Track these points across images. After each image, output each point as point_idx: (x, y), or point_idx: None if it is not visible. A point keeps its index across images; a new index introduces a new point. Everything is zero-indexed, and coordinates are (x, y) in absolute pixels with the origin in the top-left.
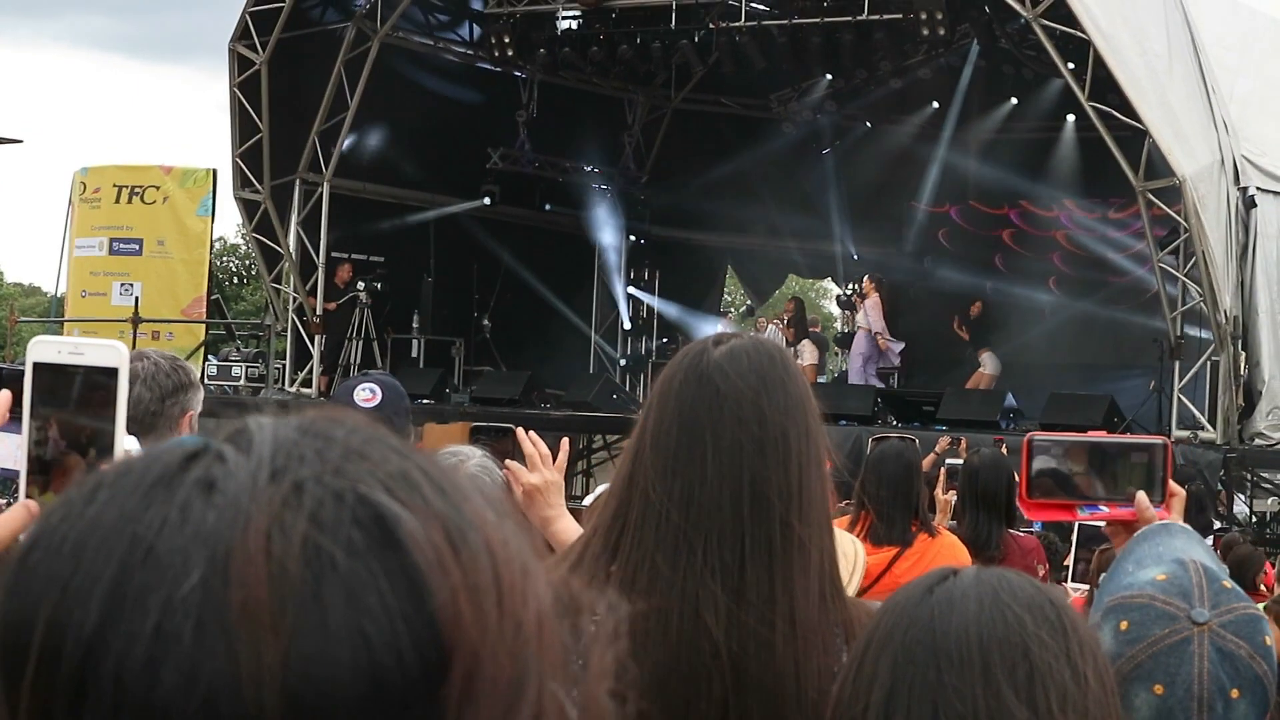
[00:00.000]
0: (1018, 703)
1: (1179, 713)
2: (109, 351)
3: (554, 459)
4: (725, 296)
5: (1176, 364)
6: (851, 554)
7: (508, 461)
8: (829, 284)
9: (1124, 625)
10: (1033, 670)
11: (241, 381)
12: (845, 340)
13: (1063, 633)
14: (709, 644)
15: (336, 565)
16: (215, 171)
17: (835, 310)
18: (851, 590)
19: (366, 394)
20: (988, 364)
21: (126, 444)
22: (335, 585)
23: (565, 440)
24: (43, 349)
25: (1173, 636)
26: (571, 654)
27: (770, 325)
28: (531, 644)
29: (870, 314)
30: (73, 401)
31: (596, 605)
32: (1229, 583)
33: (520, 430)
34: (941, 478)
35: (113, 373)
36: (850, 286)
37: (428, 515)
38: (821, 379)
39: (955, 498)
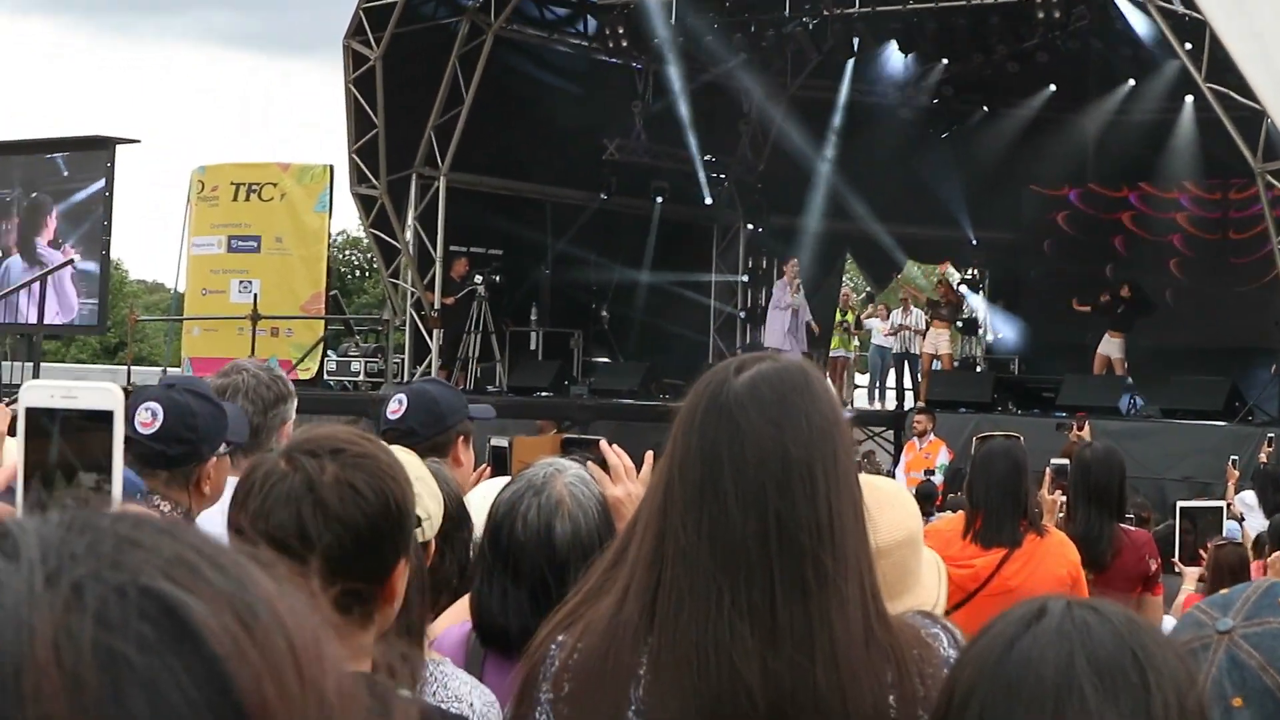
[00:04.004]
0: None
1: None
2: (102, 394)
3: (639, 471)
4: (845, 283)
5: None
6: (935, 567)
7: (591, 467)
8: (949, 269)
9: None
10: None
11: (361, 376)
12: (969, 326)
13: (1144, 700)
14: (744, 690)
15: (132, 665)
16: (332, 168)
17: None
18: (941, 605)
19: (394, 405)
20: (1115, 349)
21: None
22: (134, 686)
23: (649, 454)
24: (34, 394)
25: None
26: (375, 712)
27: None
28: (336, 709)
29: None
30: (69, 446)
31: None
32: None
33: (604, 442)
34: (1047, 478)
35: (108, 416)
36: (969, 271)
37: (213, 597)
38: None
39: (1062, 497)
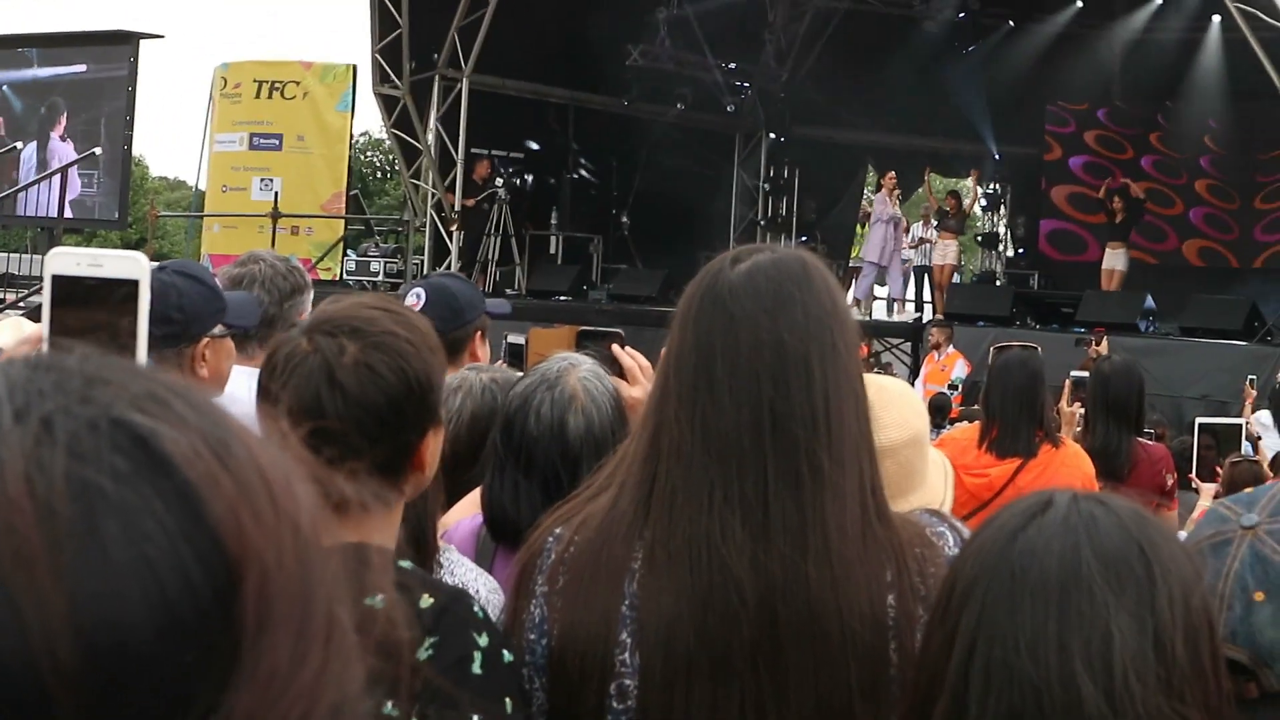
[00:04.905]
0: (1087, 678)
1: None
2: (129, 263)
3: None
4: (866, 193)
5: None
6: (941, 468)
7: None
8: (970, 183)
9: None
10: (1107, 642)
11: (380, 277)
12: (989, 241)
13: (1149, 594)
14: (734, 584)
15: (106, 494)
16: (355, 67)
17: (977, 210)
18: (946, 506)
19: (412, 299)
20: (1119, 261)
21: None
22: (109, 515)
23: (665, 351)
24: (61, 261)
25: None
26: (351, 555)
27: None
28: (311, 544)
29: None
30: (93, 314)
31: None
32: None
33: (615, 346)
34: (1066, 390)
35: (133, 285)
36: (992, 186)
37: (186, 429)
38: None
39: (1080, 409)
